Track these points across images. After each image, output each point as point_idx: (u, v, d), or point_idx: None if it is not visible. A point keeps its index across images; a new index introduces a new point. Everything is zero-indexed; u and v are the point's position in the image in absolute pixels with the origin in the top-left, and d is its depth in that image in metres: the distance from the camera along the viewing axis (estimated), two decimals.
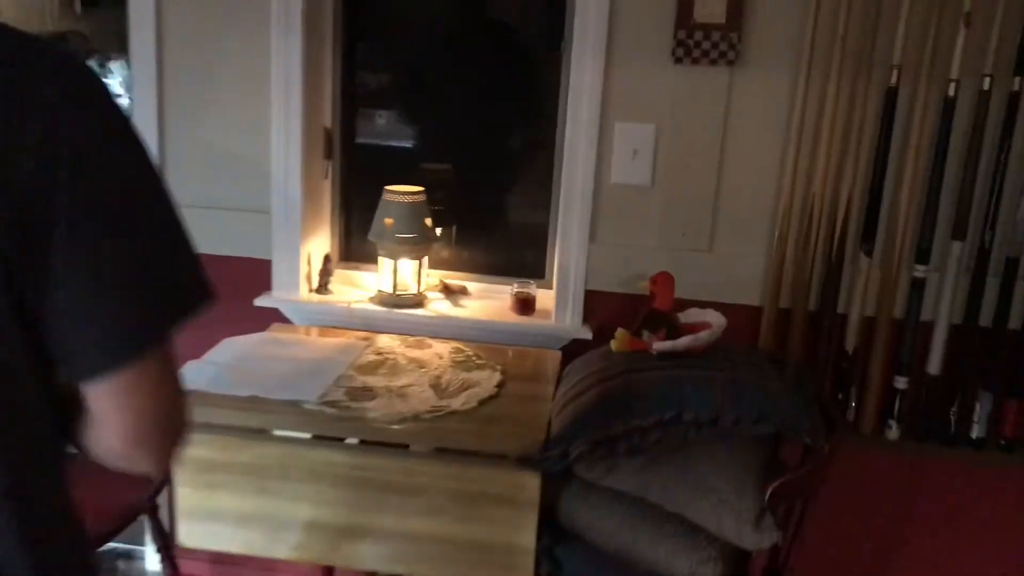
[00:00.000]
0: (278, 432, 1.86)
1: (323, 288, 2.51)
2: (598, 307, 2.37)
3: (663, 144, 2.26)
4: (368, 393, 1.96)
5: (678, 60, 2.19)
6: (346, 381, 2.01)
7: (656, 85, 2.23)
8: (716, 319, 1.94)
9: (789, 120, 2.18)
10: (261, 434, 1.87)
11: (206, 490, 1.88)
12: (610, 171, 2.29)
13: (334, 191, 2.59)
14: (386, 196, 2.41)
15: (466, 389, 2.01)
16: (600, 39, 2.20)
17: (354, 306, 2.43)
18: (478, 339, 2.37)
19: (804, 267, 2.23)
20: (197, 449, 1.85)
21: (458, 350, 2.24)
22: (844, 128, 2.14)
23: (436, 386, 2.02)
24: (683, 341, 1.85)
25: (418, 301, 2.46)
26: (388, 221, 2.39)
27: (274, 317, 2.46)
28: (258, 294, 2.47)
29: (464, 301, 2.52)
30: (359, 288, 2.56)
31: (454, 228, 2.77)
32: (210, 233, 2.47)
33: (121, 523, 2.16)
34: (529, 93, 2.64)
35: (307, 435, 1.86)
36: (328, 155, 2.54)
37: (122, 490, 2.20)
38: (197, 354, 2.13)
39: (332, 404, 1.89)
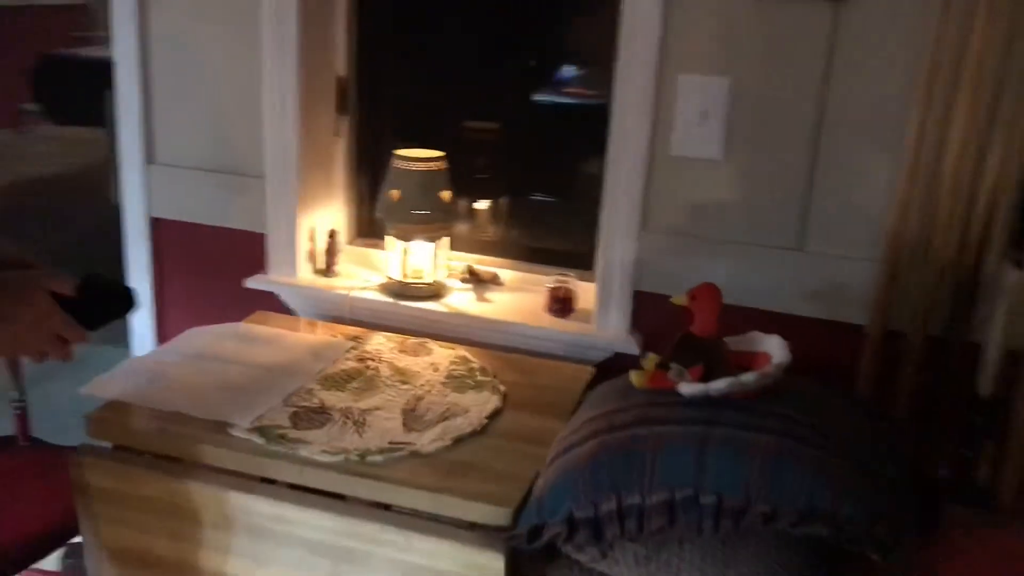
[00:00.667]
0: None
1: (328, 270, 2.10)
2: (650, 314, 1.85)
3: (741, 105, 1.70)
4: (320, 417, 1.54)
5: None
6: (300, 398, 1.60)
7: (734, 25, 1.67)
8: (778, 352, 1.40)
9: (914, 75, 1.57)
10: (175, 463, 1.49)
11: (112, 524, 1.52)
12: (669, 139, 1.75)
13: (350, 153, 2.16)
14: (394, 163, 1.96)
15: (446, 419, 1.56)
16: None
17: (356, 294, 2.01)
18: (498, 343, 1.91)
19: (926, 277, 1.63)
20: (101, 475, 1.49)
21: (461, 360, 1.79)
22: (994, 87, 1.52)
23: (410, 411, 1.58)
24: (719, 385, 1.32)
25: (433, 292, 2.01)
26: (394, 194, 1.95)
27: (270, 303, 2.08)
28: (253, 274, 2.10)
29: (493, 294, 2.05)
30: (375, 271, 2.14)
31: (502, 202, 2.30)
32: (201, 199, 2.11)
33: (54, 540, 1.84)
34: (600, 35, 2.13)
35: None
36: (342, 109, 2.11)
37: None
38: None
39: (265, 431, 1.49)
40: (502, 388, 1.68)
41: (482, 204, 2.29)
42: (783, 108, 1.67)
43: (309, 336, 1.87)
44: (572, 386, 1.72)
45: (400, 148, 2.00)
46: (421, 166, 1.93)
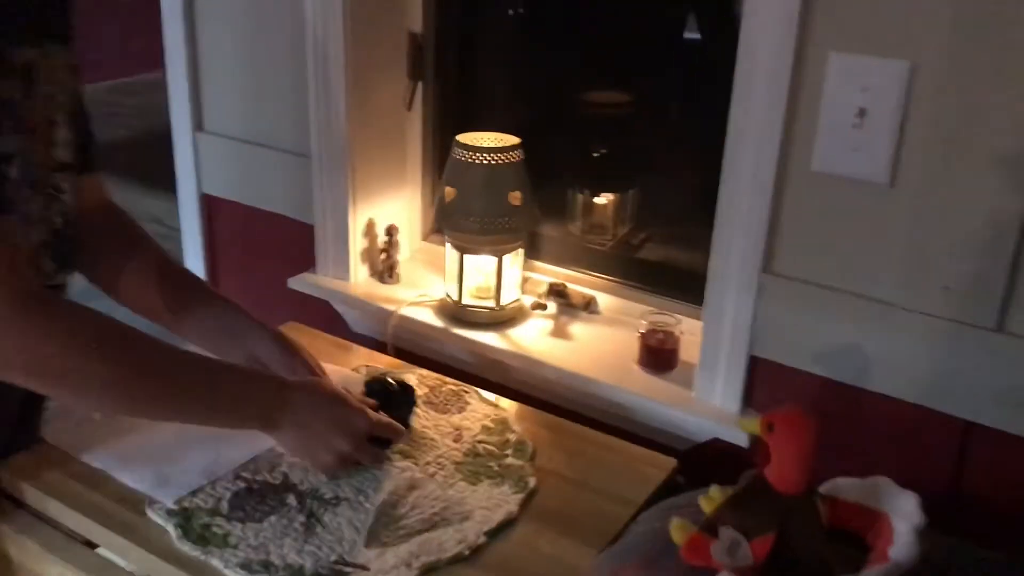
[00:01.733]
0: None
1: (388, 274, 1.70)
2: (772, 389, 1.31)
3: (922, 101, 1.10)
4: (271, 501, 1.16)
5: None
6: (265, 465, 1.22)
7: None
8: (903, 531, 0.84)
9: None
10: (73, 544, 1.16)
11: None
12: (810, 148, 1.18)
13: (426, 129, 1.73)
14: (453, 151, 1.51)
15: (432, 528, 1.12)
16: None
17: (405, 311, 1.60)
18: (563, 398, 1.45)
19: None
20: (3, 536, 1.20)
21: (499, 425, 1.33)
22: None
23: (390, 507, 1.15)
24: None
25: (498, 318, 1.56)
26: (448, 192, 1.50)
27: (318, 313, 1.71)
28: (303, 271, 1.74)
29: (581, 325, 1.57)
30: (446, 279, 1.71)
31: (631, 195, 1.78)
32: (251, 177, 1.78)
33: None
34: None
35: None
36: (416, 75, 1.68)
37: None
38: None
39: (189, 516, 1.12)
40: (532, 482, 1.21)
41: (603, 198, 1.80)
42: (989, 111, 1.06)
43: (325, 367, 1.48)
44: (632, 490, 1.21)
45: (489, 125, 1.56)
46: (484, 158, 1.47)
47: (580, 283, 1.67)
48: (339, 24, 1.52)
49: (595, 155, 1.80)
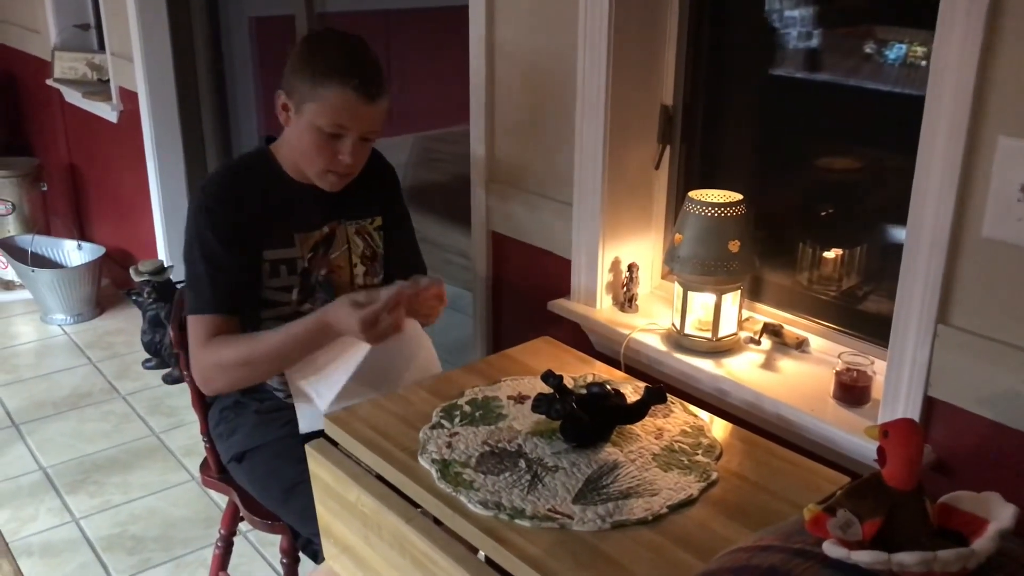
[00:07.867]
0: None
1: (628, 304, 2.02)
2: (947, 427, 1.48)
3: None
4: (507, 462, 1.50)
5: None
6: (501, 438, 1.58)
7: None
8: (990, 531, 1.02)
9: None
10: (367, 476, 1.58)
11: (325, 510, 1.67)
12: (980, 217, 1.36)
13: (670, 185, 2.03)
14: (685, 204, 1.80)
15: (626, 497, 1.41)
16: None
17: (637, 335, 1.90)
18: (761, 419, 1.68)
19: None
20: (321, 464, 1.64)
21: (695, 431, 1.59)
22: None
23: (596, 478, 1.46)
24: (863, 556, 1.00)
25: (714, 348, 1.82)
26: (676, 238, 1.79)
27: (569, 331, 2.06)
28: (560, 297, 2.10)
29: (789, 361, 1.79)
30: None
31: (858, 252, 1.97)
32: (526, 220, 2.17)
33: None
34: None
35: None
36: (664, 139, 1.99)
37: None
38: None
39: (446, 465, 1.50)
40: (714, 476, 1.47)
41: (832, 253, 2.00)
42: None
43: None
44: (805, 497, 1.43)
45: (727, 184, 1.84)
46: (708, 211, 1.75)
47: (799, 326, 1.89)
48: (601, 98, 1.87)
49: (823, 214, 2.01)
